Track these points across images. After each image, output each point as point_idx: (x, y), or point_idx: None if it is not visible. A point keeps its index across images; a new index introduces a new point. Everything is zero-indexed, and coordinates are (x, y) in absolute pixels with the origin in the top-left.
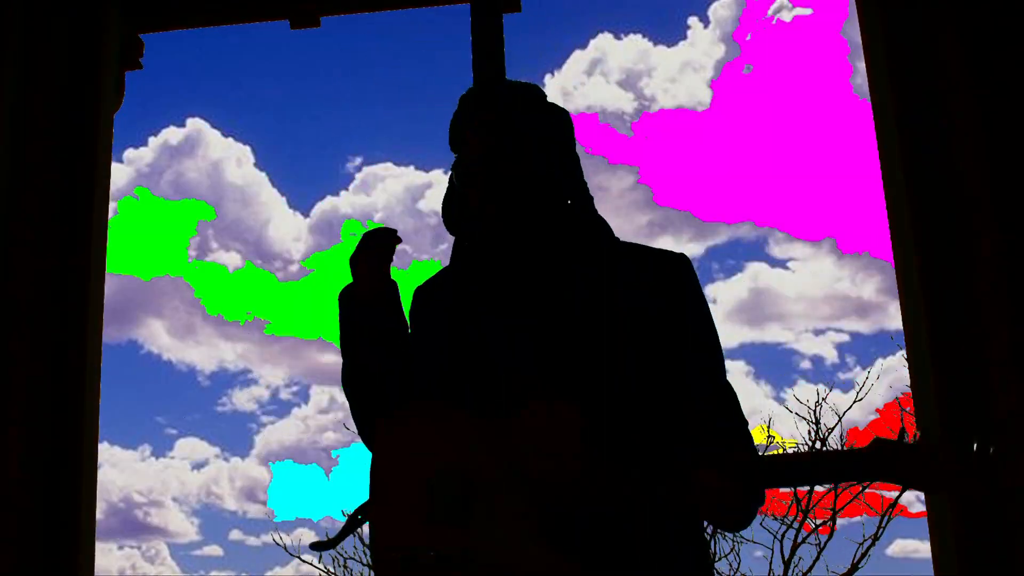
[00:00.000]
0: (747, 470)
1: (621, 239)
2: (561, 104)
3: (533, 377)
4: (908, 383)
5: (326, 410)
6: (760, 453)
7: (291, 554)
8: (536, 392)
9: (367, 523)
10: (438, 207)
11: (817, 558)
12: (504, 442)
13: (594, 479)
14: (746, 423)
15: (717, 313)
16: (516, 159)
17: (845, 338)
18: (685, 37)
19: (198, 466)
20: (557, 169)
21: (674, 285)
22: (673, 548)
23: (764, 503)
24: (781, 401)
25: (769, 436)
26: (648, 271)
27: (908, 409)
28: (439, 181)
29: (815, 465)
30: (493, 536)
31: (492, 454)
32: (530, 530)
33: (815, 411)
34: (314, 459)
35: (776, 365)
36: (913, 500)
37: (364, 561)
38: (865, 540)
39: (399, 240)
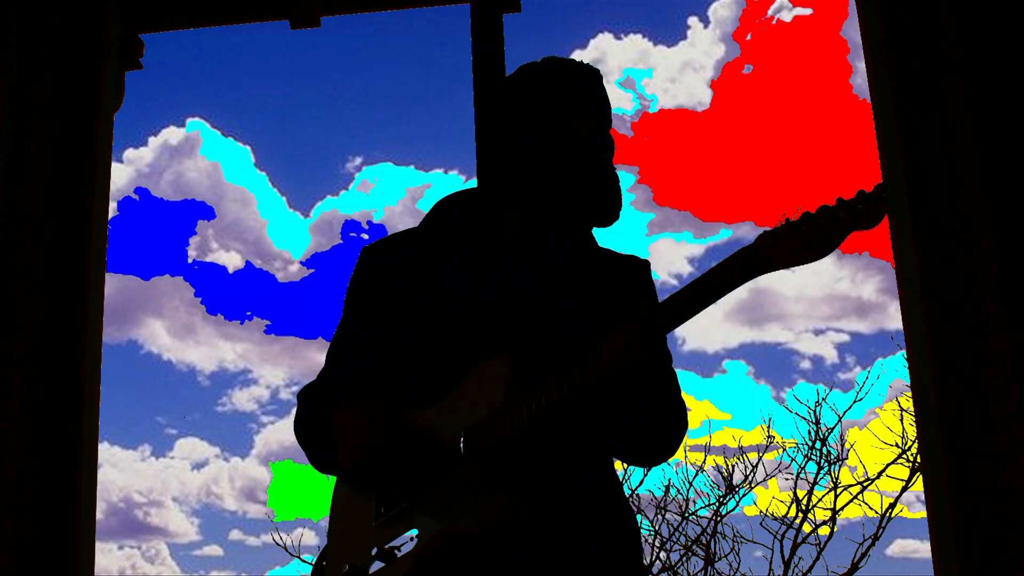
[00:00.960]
0: (650, 316)
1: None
2: None
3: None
4: (908, 383)
5: None
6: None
7: (291, 554)
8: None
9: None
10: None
11: (817, 558)
12: (442, 414)
13: (516, 415)
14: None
15: (717, 312)
16: (611, 152)
17: (845, 338)
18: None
19: (198, 466)
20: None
21: (637, 283)
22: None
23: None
24: (781, 401)
25: (769, 436)
26: (618, 271)
27: (908, 409)
28: (439, 181)
29: (709, 280)
30: (435, 509)
31: (427, 434)
32: (464, 487)
33: (815, 411)
34: None
35: (776, 365)
36: (913, 500)
37: None
38: (865, 540)
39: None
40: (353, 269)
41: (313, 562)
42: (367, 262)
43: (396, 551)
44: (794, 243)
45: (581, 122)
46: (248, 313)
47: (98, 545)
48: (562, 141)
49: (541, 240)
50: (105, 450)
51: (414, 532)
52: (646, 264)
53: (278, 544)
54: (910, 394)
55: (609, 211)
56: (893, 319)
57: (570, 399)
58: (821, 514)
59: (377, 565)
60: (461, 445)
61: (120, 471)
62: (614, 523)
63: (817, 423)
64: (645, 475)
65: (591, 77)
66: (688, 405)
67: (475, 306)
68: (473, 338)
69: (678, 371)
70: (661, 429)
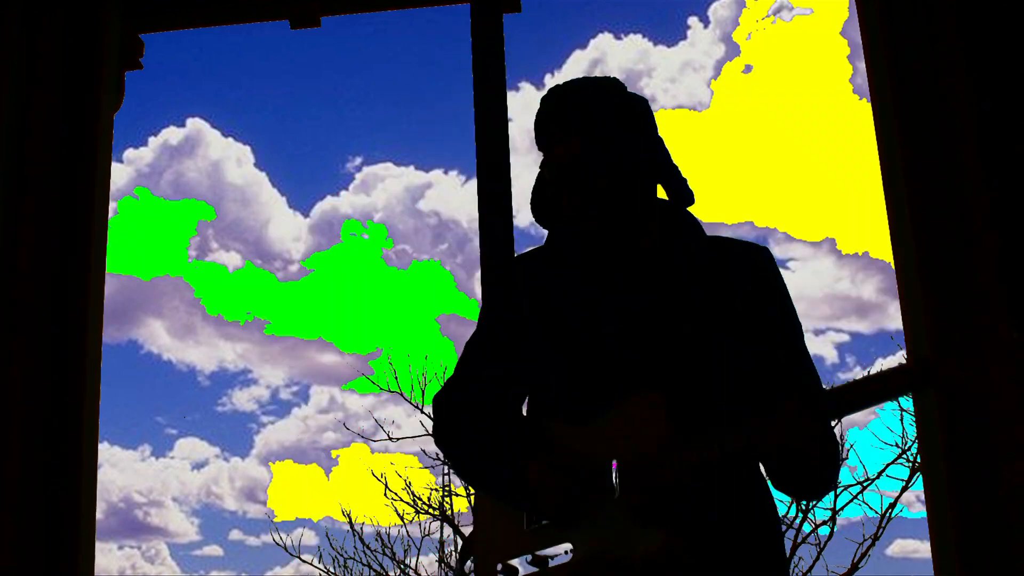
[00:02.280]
0: (820, 400)
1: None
2: None
3: (637, 367)
4: None
5: (326, 410)
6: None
7: (291, 554)
8: (632, 388)
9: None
10: (438, 207)
11: (817, 558)
12: (598, 442)
13: (678, 461)
14: (826, 396)
15: None
16: (602, 160)
17: (845, 338)
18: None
19: (198, 466)
20: (644, 162)
21: (758, 277)
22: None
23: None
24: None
25: None
26: (734, 263)
27: (908, 409)
28: (439, 181)
29: (869, 386)
30: (591, 528)
31: (586, 455)
32: (623, 516)
33: None
34: (314, 459)
35: None
36: (913, 500)
37: (363, 561)
38: (865, 540)
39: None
40: (492, 279)
41: (463, 557)
42: (506, 274)
43: (549, 559)
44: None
45: (553, 148)
46: (248, 313)
47: (98, 545)
48: (549, 172)
49: (645, 260)
50: (105, 450)
51: (567, 546)
52: (765, 252)
53: (278, 544)
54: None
55: (607, 206)
56: (893, 319)
57: (730, 456)
58: (821, 514)
59: (527, 569)
60: (615, 475)
61: (120, 471)
62: (760, 563)
63: None
64: None
65: (557, 94)
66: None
67: (603, 330)
68: (608, 359)
69: None
70: (814, 474)
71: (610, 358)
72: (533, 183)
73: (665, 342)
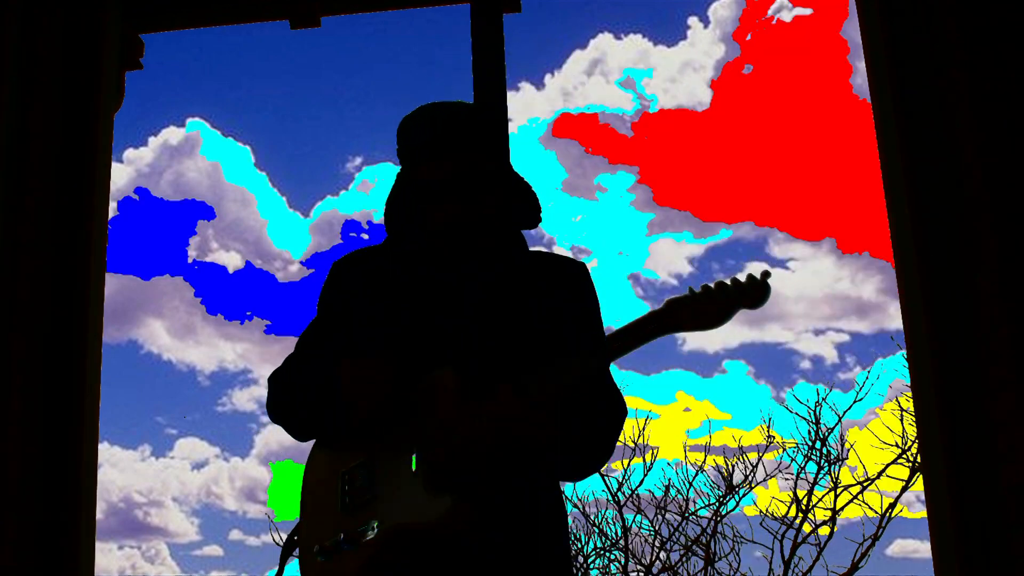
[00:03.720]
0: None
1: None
2: (560, 104)
3: (437, 359)
4: (908, 383)
5: None
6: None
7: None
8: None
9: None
10: None
11: (817, 558)
12: (400, 426)
13: (465, 429)
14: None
15: None
16: (469, 186)
17: (845, 338)
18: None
19: (198, 466)
20: (501, 186)
21: (571, 290)
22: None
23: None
24: (781, 401)
25: (769, 436)
26: (550, 275)
27: (908, 409)
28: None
29: (616, 339)
30: (394, 502)
31: (390, 439)
32: (419, 485)
33: (815, 411)
34: None
35: (776, 365)
36: (913, 500)
37: None
38: (865, 540)
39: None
40: (331, 270)
41: (287, 547)
42: (344, 265)
43: (362, 537)
44: (694, 310)
45: (421, 166)
46: (248, 313)
47: (98, 545)
48: (410, 190)
49: (454, 272)
50: (105, 450)
51: (375, 523)
52: (581, 267)
53: (278, 544)
54: (910, 394)
55: (476, 230)
56: (893, 319)
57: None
58: (821, 514)
59: (347, 548)
60: (414, 451)
61: (120, 471)
62: (543, 526)
63: (817, 423)
64: (645, 475)
65: (443, 118)
66: (626, 405)
67: (407, 332)
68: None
69: (678, 371)
70: (571, 456)
71: (424, 352)
72: (390, 190)
73: (471, 341)
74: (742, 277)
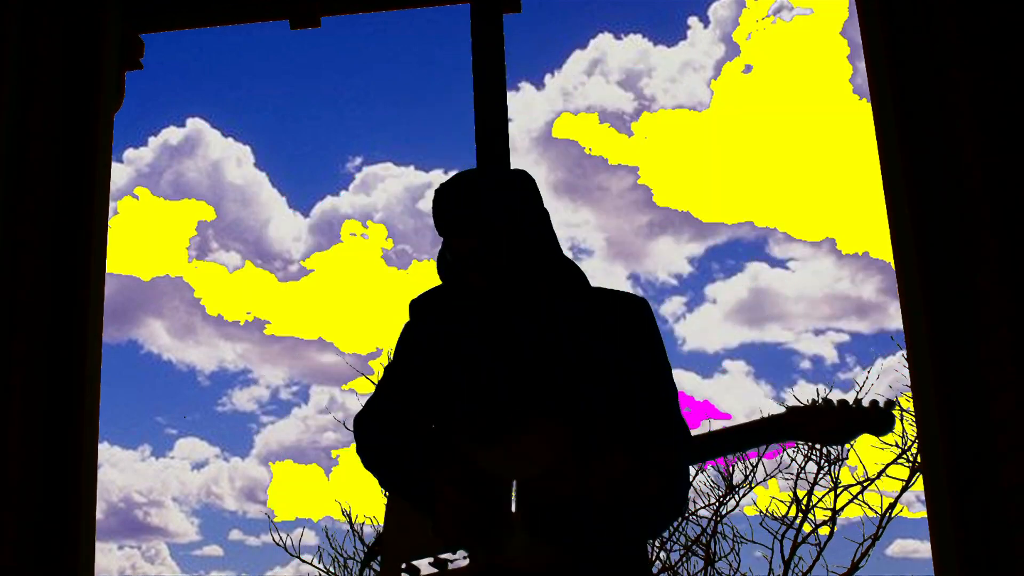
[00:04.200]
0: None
1: (592, 284)
2: (560, 104)
3: (527, 406)
4: (908, 383)
5: (326, 410)
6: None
7: (291, 554)
8: (531, 418)
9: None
10: None
11: (817, 558)
12: (501, 460)
13: (575, 482)
14: (687, 442)
15: (717, 313)
16: (498, 256)
17: (845, 338)
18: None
19: (198, 466)
20: (533, 234)
21: (635, 327)
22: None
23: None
24: (781, 401)
25: None
26: (614, 313)
27: (908, 409)
28: (439, 181)
29: (732, 435)
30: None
31: (490, 472)
32: (520, 529)
33: None
34: (314, 459)
35: (776, 365)
36: (913, 500)
37: (364, 561)
38: (865, 540)
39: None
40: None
41: (369, 556)
42: (411, 315)
43: (448, 562)
44: (819, 424)
45: (453, 239)
46: (248, 313)
47: (98, 545)
48: (451, 257)
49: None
50: (105, 450)
51: (465, 552)
52: (642, 303)
53: (278, 544)
54: (910, 394)
55: (506, 281)
56: (893, 319)
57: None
58: (821, 514)
59: (429, 570)
60: (514, 491)
61: (120, 471)
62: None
63: None
64: None
65: (452, 193)
66: (684, 419)
67: (492, 376)
68: (494, 401)
69: (678, 371)
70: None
71: (496, 400)
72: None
73: (542, 387)
74: (866, 402)
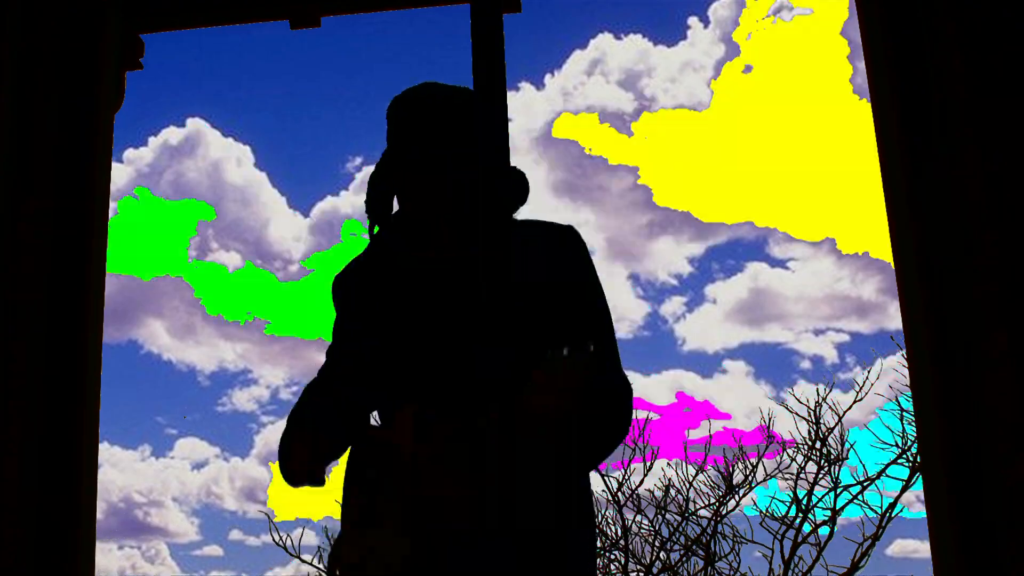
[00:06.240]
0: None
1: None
2: (560, 104)
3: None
4: (908, 383)
5: None
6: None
7: (291, 554)
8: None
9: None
10: None
11: (817, 558)
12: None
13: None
14: (618, 381)
15: (717, 313)
16: (455, 170)
17: (845, 338)
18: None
19: (198, 466)
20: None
21: (565, 256)
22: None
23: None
24: (781, 401)
25: (769, 436)
26: (540, 246)
27: (908, 409)
28: None
29: None
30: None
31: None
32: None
33: (815, 411)
34: None
35: (776, 365)
36: (913, 500)
37: None
38: (865, 540)
39: None
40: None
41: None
42: (342, 282)
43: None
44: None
45: (410, 143)
46: (248, 313)
47: (98, 545)
48: (396, 164)
49: (450, 258)
50: (105, 450)
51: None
52: (569, 229)
53: (278, 544)
54: (910, 394)
55: (462, 206)
56: (893, 319)
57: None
58: (821, 514)
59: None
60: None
61: (120, 471)
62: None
63: (817, 423)
64: (645, 475)
65: (431, 103)
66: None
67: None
68: (428, 341)
69: (678, 371)
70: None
71: (430, 340)
72: (371, 173)
73: (470, 318)
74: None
